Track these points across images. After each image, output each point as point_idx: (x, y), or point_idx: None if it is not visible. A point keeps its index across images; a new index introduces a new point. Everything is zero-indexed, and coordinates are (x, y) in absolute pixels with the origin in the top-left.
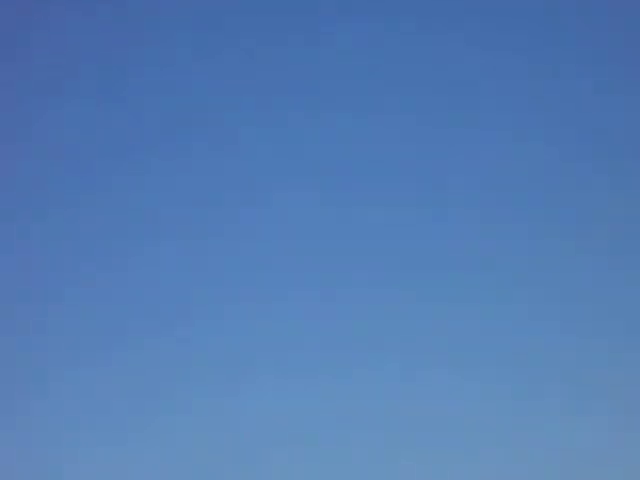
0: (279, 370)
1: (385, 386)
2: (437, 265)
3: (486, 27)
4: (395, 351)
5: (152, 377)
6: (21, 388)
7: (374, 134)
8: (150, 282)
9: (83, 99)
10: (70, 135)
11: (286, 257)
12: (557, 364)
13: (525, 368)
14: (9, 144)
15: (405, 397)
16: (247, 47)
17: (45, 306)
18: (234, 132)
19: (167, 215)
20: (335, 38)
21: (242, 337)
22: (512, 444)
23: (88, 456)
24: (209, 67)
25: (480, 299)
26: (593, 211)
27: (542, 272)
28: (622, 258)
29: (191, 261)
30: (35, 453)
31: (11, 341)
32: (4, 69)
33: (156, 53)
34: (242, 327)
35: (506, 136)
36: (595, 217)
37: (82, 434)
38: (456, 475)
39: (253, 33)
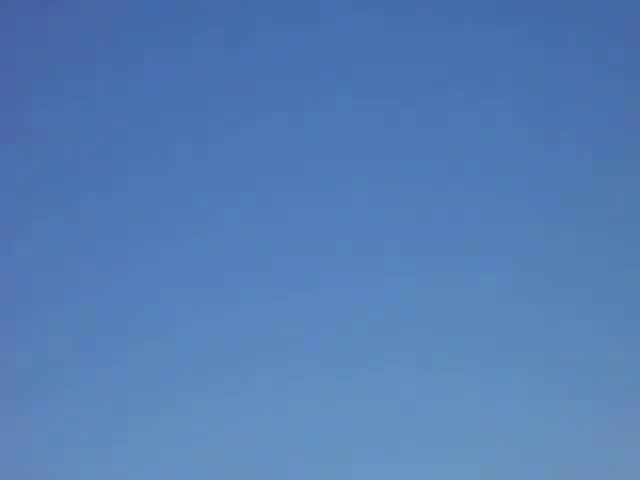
0: (279, 370)
1: (386, 386)
2: (439, 264)
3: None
4: (395, 351)
5: (152, 377)
6: (21, 388)
7: (374, 133)
8: (150, 282)
9: (83, 99)
10: (70, 135)
11: (286, 257)
12: (559, 364)
13: (528, 368)
14: (9, 144)
15: (406, 397)
16: (246, 46)
17: (45, 306)
18: (234, 132)
19: (167, 215)
20: (334, 36)
21: (242, 337)
22: (515, 444)
23: (88, 456)
24: (209, 67)
25: (482, 299)
26: (591, 206)
27: (544, 272)
28: (626, 256)
29: (191, 261)
30: (35, 453)
31: (11, 341)
32: (4, 69)
33: (157, 52)
34: (242, 327)
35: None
36: (599, 214)
37: (82, 434)
38: (459, 475)
39: (253, 32)
